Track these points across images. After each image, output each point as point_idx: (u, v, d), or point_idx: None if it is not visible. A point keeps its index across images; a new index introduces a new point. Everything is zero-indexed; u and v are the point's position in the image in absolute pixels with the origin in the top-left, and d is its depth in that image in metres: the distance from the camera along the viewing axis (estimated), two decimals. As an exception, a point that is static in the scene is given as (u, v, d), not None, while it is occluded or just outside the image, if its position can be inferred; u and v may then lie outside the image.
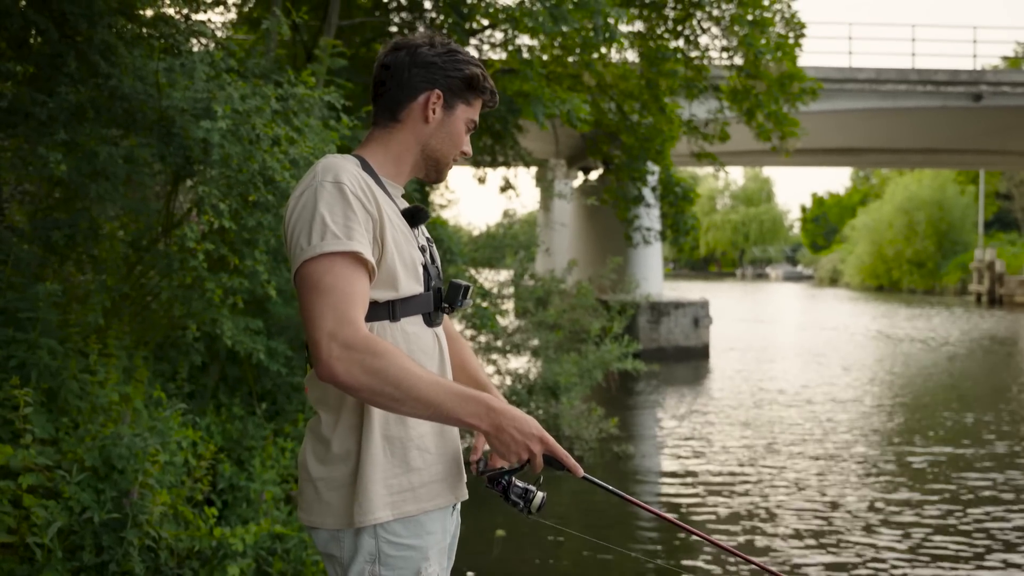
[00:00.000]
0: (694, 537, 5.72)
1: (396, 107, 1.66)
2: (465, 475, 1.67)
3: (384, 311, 1.57)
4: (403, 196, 1.75)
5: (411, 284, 1.60)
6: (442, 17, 8.06)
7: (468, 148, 1.73)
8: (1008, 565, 5.11)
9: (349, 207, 1.49)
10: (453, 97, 1.67)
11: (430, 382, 1.44)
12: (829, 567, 5.12)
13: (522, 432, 1.48)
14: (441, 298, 1.67)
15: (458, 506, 1.71)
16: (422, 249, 1.66)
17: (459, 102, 1.68)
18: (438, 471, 1.61)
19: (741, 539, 5.62)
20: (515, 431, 1.48)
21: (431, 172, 1.71)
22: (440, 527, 1.62)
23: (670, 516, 1.67)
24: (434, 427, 1.60)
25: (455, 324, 1.95)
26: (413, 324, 1.61)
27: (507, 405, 1.50)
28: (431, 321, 1.65)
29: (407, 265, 1.59)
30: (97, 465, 3.18)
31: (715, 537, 5.41)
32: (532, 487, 1.58)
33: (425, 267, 1.64)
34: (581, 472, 1.56)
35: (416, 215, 1.66)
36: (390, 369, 1.41)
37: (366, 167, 1.63)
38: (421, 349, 1.62)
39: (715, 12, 9.63)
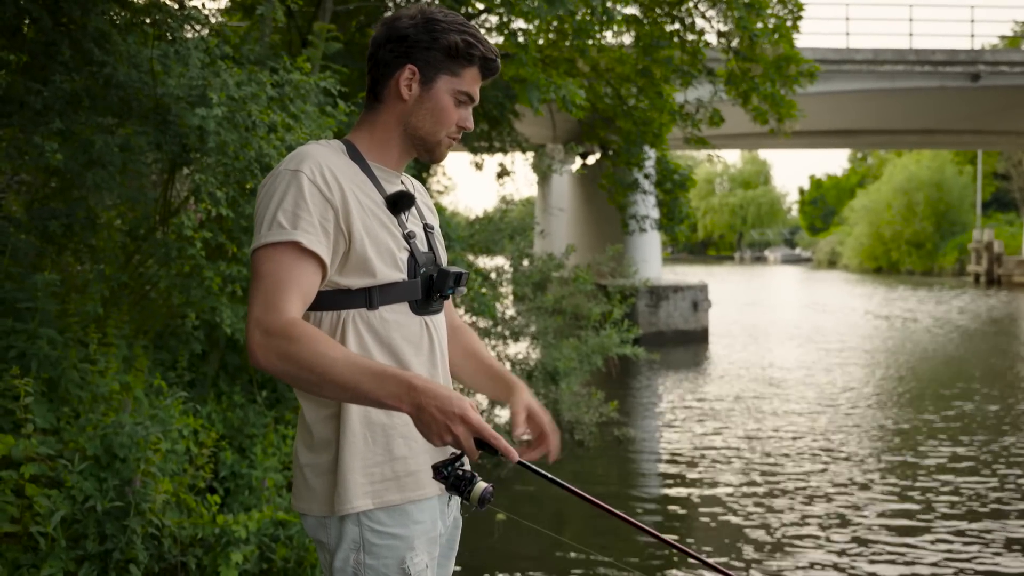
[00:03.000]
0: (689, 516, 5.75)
1: (377, 87, 1.61)
2: None
3: (360, 298, 1.53)
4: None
5: (389, 271, 1.55)
6: (437, 1, 8.01)
7: (467, 122, 1.62)
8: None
9: (302, 196, 1.47)
10: (431, 70, 1.57)
11: (346, 364, 1.35)
12: (827, 554, 5.14)
13: (442, 411, 1.31)
14: (431, 285, 1.59)
15: None
16: (409, 235, 1.59)
17: (440, 75, 1.57)
18: (425, 460, 1.54)
19: (737, 522, 5.65)
20: (435, 410, 1.32)
21: (422, 152, 1.63)
22: (429, 516, 1.58)
23: (619, 512, 1.51)
24: None
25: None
26: (395, 312, 1.56)
27: (431, 383, 1.35)
28: (420, 309, 1.59)
29: (381, 252, 1.54)
30: (99, 454, 3.19)
31: (697, 528, 5.46)
32: (475, 476, 1.42)
33: (412, 254, 1.58)
34: (516, 457, 1.41)
35: (398, 201, 1.59)
36: (303, 354, 1.36)
37: (353, 152, 1.59)
38: (404, 337, 1.57)
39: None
